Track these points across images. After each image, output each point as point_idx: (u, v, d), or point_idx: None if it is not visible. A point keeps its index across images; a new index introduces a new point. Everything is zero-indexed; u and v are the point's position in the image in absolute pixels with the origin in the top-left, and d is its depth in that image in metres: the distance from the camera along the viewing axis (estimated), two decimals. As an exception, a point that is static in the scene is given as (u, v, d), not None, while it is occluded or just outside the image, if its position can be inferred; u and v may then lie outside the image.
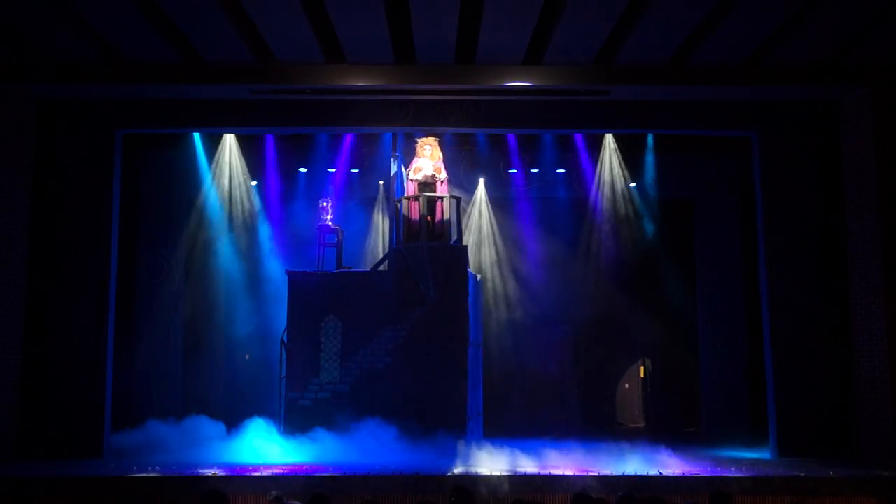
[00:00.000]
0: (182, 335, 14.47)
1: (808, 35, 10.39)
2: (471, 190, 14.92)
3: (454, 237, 12.64)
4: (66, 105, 11.96)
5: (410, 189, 12.57)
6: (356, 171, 14.66)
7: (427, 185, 12.48)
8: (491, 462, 10.65)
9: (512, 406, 14.25)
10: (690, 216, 15.03)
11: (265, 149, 14.42)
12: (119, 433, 12.11)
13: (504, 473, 9.93)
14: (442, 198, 12.53)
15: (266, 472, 9.93)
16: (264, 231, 14.65)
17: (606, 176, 14.60)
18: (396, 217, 12.69)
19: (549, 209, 15.03)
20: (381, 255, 13.58)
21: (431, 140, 12.70)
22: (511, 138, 14.37)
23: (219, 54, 10.96)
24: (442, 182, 12.62)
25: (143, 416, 12.67)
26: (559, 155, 14.65)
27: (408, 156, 13.19)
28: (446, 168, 13.00)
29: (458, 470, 10.13)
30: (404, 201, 12.54)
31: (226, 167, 14.40)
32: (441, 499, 8.42)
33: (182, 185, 14.41)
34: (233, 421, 12.17)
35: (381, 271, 12.77)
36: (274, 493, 7.32)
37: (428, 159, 12.62)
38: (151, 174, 14.40)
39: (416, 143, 12.77)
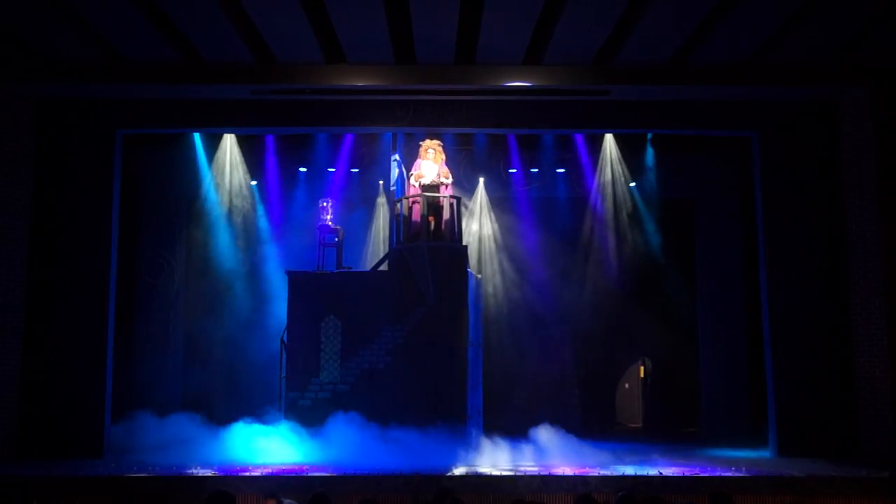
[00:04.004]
0: (182, 335, 14.47)
1: (808, 35, 10.40)
2: (471, 190, 14.92)
3: (454, 237, 12.62)
4: (66, 105, 11.96)
5: (412, 190, 12.56)
6: (356, 171, 14.67)
7: (432, 187, 12.45)
8: (491, 462, 10.67)
9: (512, 406, 14.24)
10: (690, 216, 15.02)
11: (265, 149, 14.42)
12: (117, 424, 12.13)
13: (504, 473, 9.95)
14: (442, 198, 12.50)
15: (266, 472, 9.94)
16: (264, 231, 14.65)
17: (606, 176, 14.60)
18: (396, 217, 12.68)
19: (549, 209, 15.02)
20: (381, 255, 13.57)
21: (434, 143, 12.65)
22: (511, 138, 14.37)
23: (219, 54, 10.97)
24: (447, 187, 12.59)
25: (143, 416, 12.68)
26: (559, 155, 14.65)
27: (408, 156, 13.18)
28: (449, 169, 12.99)
29: (458, 470, 10.14)
30: (405, 201, 12.54)
31: (226, 167, 14.40)
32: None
33: (182, 185, 14.41)
34: (233, 420, 12.16)
35: (381, 271, 12.76)
36: (271, 494, 7.32)
37: (431, 162, 12.58)
38: (151, 174, 14.39)
39: (420, 145, 12.75)
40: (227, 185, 14.45)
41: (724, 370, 14.43)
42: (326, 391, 12.04)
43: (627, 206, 14.83)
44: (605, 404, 15.63)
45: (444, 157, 12.74)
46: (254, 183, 14.69)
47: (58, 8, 9.81)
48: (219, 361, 14.29)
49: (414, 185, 12.50)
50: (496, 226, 15.04)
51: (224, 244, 14.53)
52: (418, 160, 12.66)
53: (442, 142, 12.84)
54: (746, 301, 14.23)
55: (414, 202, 12.37)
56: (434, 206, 12.37)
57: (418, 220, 12.25)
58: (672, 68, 11.23)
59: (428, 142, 12.65)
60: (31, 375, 11.52)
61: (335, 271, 12.74)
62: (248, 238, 14.66)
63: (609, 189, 14.66)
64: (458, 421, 11.61)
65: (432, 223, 12.34)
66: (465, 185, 14.64)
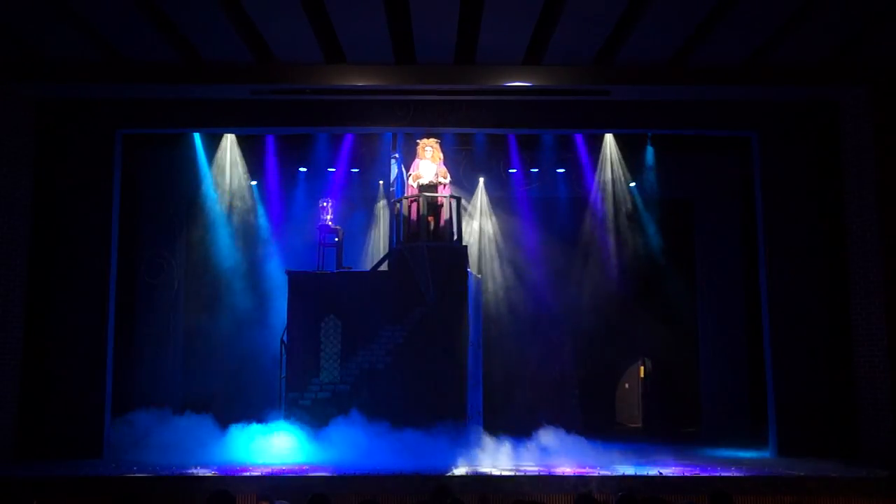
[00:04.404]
0: (182, 335, 14.48)
1: (808, 35, 10.39)
2: (471, 190, 14.92)
3: (454, 237, 12.63)
4: (66, 105, 11.97)
5: (411, 191, 12.57)
6: (356, 171, 14.66)
7: (430, 187, 12.45)
8: (491, 462, 10.67)
9: (512, 406, 14.24)
10: (690, 216, 15.03)
11: (265, 149, 14.42)
12: (117, 424, 12.13)
13: (505, 473, 9.95)
14: (443, 199, 12.50)
15: (266, 472, 9.94)
16: (264, 231, 14.65)
17: (606, 176, 14.60)
18: (396, 217, 12.68)
19: (549, 209, 15.02)
20: (381, 255, 13.57)
21: (432, 141, 12.66)
22: (511, 138, 14.36)
23: (219, 54, 10.96)
24: (445, 186, 12.59)
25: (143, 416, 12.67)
26: (559, 155, 14.65)
27: (408, 156, 13.17)
28: (447, 168, 12.98)
29: (458, 470, 10.14)
30: (404, 201, 12.54)
31: (226, 167, 14.40)
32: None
33: (182, 185, 14.41)
34: (232, 420, 12.17)
35: (381, 271, 12.76)
36: (264, 496, 7.34)
37: (429, 161, 12.57)
38: (151, 174, 14.39)
39: (417, 144, 12.75)
40: (227, 185, 14.44)
41: (724, 370, 14.44)
42: (326, 391, 12.04)
43: (627, 206, 14.83)
44: (605, 404, 15.63)
45: (441, 155, 12.74)
46: (254, 183, 14.69)
47: (58, 8, 9.81)
48: (219, 361, 14.28)
49: (412, 186, 12.51)
50: (496, 226, 15.04)
51: (224, 244, 14.53)
52: (416, 160, 12.66)
53: (440, 139, 12.84)
54: (746, 301, 14.23)
55: (413, 202, 12.37)
56: (433, 206, 12.38)
57: (418, 219, 12.25)
58: (672, 68, 11.22)
59: (425, 140, 12.66)
60: (31, 375, 11.51)
61: (335, 271, 12.73)
62: (248, 238, 14.66)
63: (609, 189, 14.66)
64: (458, 421, 11.61)
65: (432, 223, 12.34)
66: (465, 185, 14.64)
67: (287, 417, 11.91)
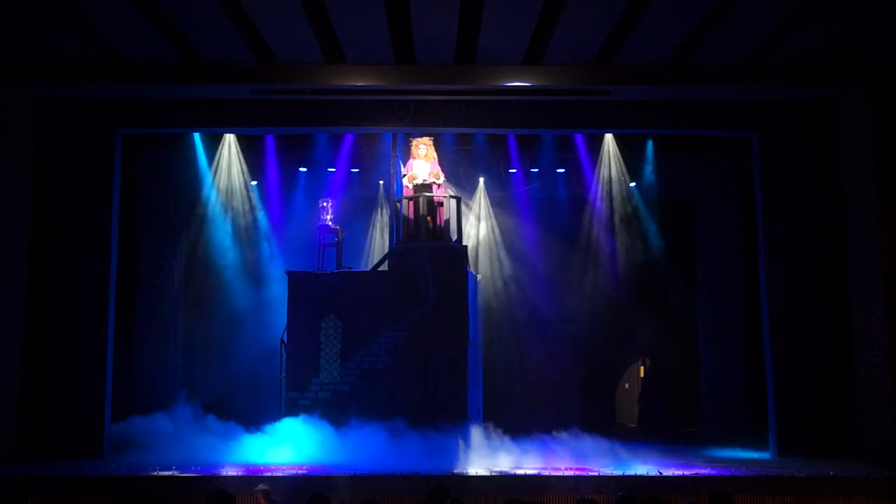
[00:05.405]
0: (182, 335, 14.48)
1: (808, 35, 10.40)
2: (471, 190, 14.91)
3: (454, 237, 12.64)
4: (66, 105, 11.97)
5: (407, 190, 12.57)
6: (356, 171, 14.66)
7: (425, 186, 12.47)
8: (491, 462, 10.67)
9: (512, 406, 14.23)
10: (690, 216, 15.03)
11: (265, 149, 14.42)
12: (117, 424, 12.15)
13: (504, 473, 9.95)
14: (443, 199, 12.51)
15: (265, 472, 9.94)
16: (264, 231, 14.65)
17: (606, 176, 14.60)
18: (396, 217, 12.69)
19: (549, 209, 15.02)
20: (381, 255, 13.57)
21: (426, 140, 12.68)
22: (511, 138, 14.36)
23: (219, 54, 10.97)
24: (439, 186, 12.59)
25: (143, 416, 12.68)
26: (559, 155, 14.65)
27: (407, 156, 13.19)
28: (446, 168, 12.99)
29: (458, 470, 10.13)
30: (404, 201, 12.54)
31: (226, 167, 14.40)
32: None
33: (182, 185, 14.42)
34: (232, 420, 12.17)
35: (381, 271, 12.77)
36: (261, 486, 7.37)
37: (423, 160, 12.60)
38: (151, 174, 14.41)
39: (411, 142, 12.76)
40: (227, 185, 14.45)
41: (724, 370, 14.43)
42: (326, 391, 12.05)
43: (627, 206, 14.83)
44: (604, 404, 15.62)
45: (435, 155, 12.76)
46: (254, 183, 14.69)
47: (58, 8, 9.81)
48: (219, 361, 14.27)
49: (407, 186, 12.52)
50: (496, 226, 15.02)
51: (224, 244, 14.53)
52: (410, 160, 12.68)
53: (433, 138, 12.85)
54: (746, 301, 14.22)
55: (413, 202, 12.38)
56: (433, 206, 12.38)
57: (417, 219, 12.26)
58: (672, 68, 11.22)
59: (419, 139, 12.67)
60: (31, 376, 11.51)
61: (335, 271, 12.74)
62: (248, 238, 14.66)
63: (609, 189, 14.66)
64: (458, 421, 11.61)
65: (431, 223, 12.34)
66: (465, 185, 14.64)
67: (287, 417, 11.91)
